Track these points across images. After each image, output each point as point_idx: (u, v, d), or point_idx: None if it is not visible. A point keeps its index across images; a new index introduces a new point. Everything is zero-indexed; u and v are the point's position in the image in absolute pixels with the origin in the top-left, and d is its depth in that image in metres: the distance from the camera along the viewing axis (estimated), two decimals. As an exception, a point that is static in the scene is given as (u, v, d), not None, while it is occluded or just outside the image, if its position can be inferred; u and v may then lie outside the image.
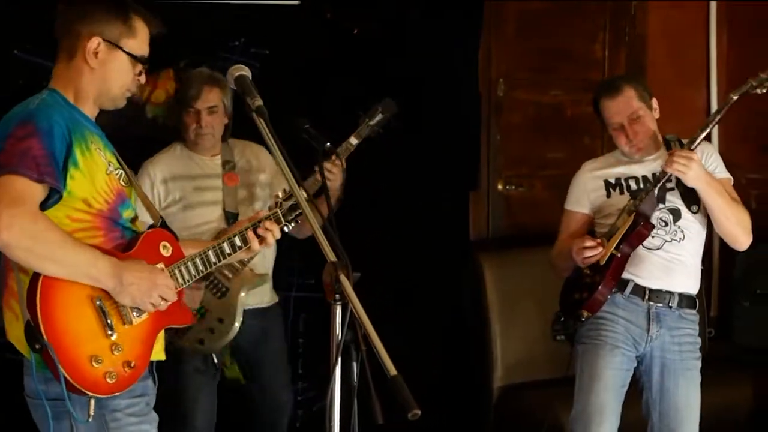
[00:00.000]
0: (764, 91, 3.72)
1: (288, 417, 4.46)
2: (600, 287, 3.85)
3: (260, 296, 4.27)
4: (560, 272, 4.09)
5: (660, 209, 3.90)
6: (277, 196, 3.02)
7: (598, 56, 5.76)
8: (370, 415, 2.35)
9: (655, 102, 4.02)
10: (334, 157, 3.99)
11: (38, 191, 2.59)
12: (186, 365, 4.09)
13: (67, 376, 2.56)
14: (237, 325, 4.05)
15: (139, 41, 2.84)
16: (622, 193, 4.00)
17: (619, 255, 3.83)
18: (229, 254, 2.95)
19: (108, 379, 2.64)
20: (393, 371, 2.12)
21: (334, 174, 3.98)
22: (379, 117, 4.16)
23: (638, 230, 3.82)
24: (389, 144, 4.29)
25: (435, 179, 5.17)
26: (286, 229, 3.02)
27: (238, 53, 4.83)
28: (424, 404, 2.18)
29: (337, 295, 2.33)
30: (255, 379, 4.38)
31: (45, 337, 2.53)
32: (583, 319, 3.92)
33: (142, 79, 2.89)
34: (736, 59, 5.86)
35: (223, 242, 2.94)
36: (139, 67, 2.85)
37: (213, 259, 2.91)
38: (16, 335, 2.65)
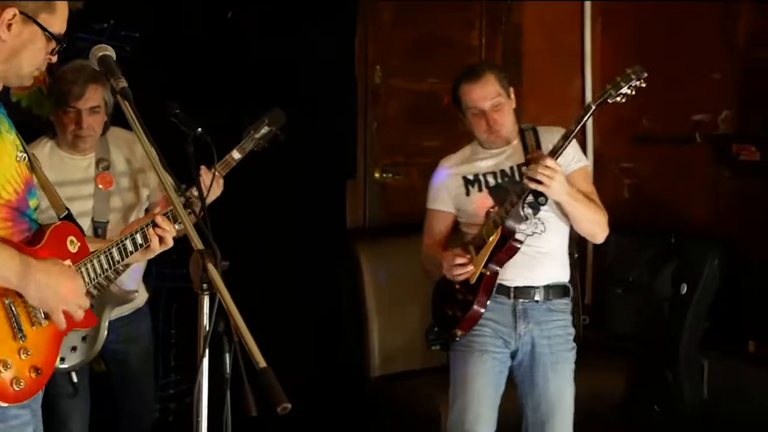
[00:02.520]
0: (624, 100, 3.59)
1: (154, 412, 4.33)
2: (474, 306, 3.82)
3: (128, 306, 4.00)
4: (431, 276, 4.05)
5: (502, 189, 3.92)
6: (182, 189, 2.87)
7: (474, 44, 5.77)
8: (244, 408, 2.28)
9: (512, 92, 3.98)
10: (214, 171, 3.47)
11: None
12: (49, 388, 3.88)
13: None
14: (100, 344, 3.77)
15: (57, 18, 2.62)
16: (480, 190, 3.95)
17: (488, 273, 3.81)
18: (132, 252, 2.81)
19: (15, 386, 2.48)
20: (262, 363, 2.07)
21: (210, 190, 3.69)
22: (264, 130, 3.81)
23: (507, 246, 3.76)
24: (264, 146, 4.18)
25: (311, 167, 5.11)
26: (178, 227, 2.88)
27: (106, 36, 4.66)
28: (297, 396, 2.13)
29: (205, 285, 2.25)
30: (120, 377, 4.21)
31: None
32: (458, 338, 3.91)
33: (54, 58, 2.67)
34: (610, 48, 5.93)
35: (126, 239, 2.80)
36: (53, 45, 2.63)
37: (117, 257, 2.77)
38: None
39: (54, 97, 3.82)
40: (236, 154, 3.79)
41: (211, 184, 3.48)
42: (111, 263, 2.75)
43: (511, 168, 3.92)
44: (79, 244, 2.72)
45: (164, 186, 2.48)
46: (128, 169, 3.96)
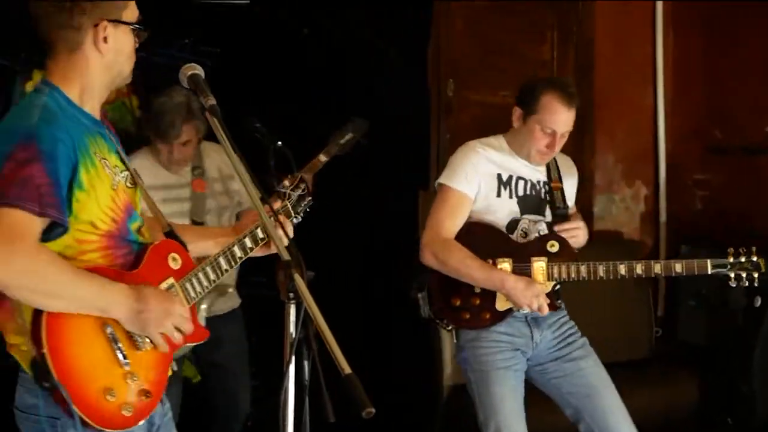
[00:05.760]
0: None
1: (244, 420, 4.43)
2: (487, 324, 3.84)
3: (222, 303, 4.25)
4: (447, 273, 3.86)
5: (537, 221, 3.93)
6: (285, 186, 2.95)
7: (546, 57, 5.79)
8: (322, 414, 2.35)
9: None
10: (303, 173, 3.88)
11: (39, 224, 2.38)
12: None
13: (82, 415, 2.40)
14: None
15: (132, 8, 2.63)
16: (510, 197, 3.89)
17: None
18: (241, 258, 2.82)
19: (124, 412, 2.48)
20: (347, 369, 2.12)
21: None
22: (348, 136, 3.96)
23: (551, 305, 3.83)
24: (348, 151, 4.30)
25: (385, 178, 5.18)
26: (295, 221, 2.94)
27: (187, 52, 4.79)
28: (376, 403, 2.17)
29: (291, 294, 2.32)
30: (212, 381, 4.36)
31: (56, 376, 2.37)
32: (444, 327, 3.95)
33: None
34: (682, 56, 5.92)
35: (234, 246, 2.80)
36: (140, 34, 2.64)
37: (225, 266, 2.77)
38: (16, 345, 2.49)
39: (152, 130, 4.06)
40: (322, 158, 3.97)
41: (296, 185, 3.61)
42: (219, 273, 2.77)
43: (539, 182, 3.94)
44: (181, 260, 2.72)
45: (253, 202, 2.52)
46: (220, 176, 4.21)
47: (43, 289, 2.37)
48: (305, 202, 2.94)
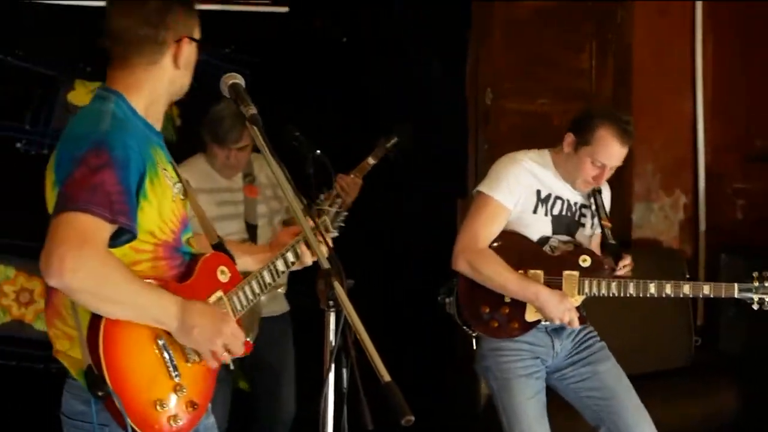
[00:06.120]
0: None
1: (289, 424, 4.46)
2: (515, 334, 3.86)
3: (273, 305, 4.30)
4: (480, 281, 3.86)
5: (567, 242, 3.94)
6: (321, 200, 2.99)
7: (585, 66, 5.78)
8: (360, 421, 2.36)
9: None
10: (353, 175, 4.14)
11: (108, 230, 2.40)
12: None
13: (134, 426, 2.43)
14: (256, 332, 4.01)
15: (198, 24, 2.71)
16: (546, 214, 3.91)
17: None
18: (283, 272, 2.86)
19: (172, 424, 2.50)
20: (387, 377, 2.12)
21: (350, 190, 4.07)
22: (394, 140, 4.34)
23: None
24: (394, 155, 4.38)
25: (424, 187, 5.19)
26: (333, 235, 2.99)
27: (227, 60, 4.83)
28: (414, 410, 2.18)
29: (331, 302, 2.34)
30: (260, 386, 4.40)
31: (110, 385, 2.39)
32: (471, 332, 3.94)
33: None
34: (721, 64, 5.89)
35: (276, 260, 2.85)
36: (201, 49, 2.71)
37: (268, 280, 2.82)
38: (63, 351, 2.53)
39: (210, 135, 4.14)
40: (371, 160, 4.32)
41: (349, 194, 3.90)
42: (263, 287, 2.80)
43: (575, 204, 3.95)
44: (230, 273, 2.74)
45: (294, 213, 2.54)
46: (269, 182, 4.29)
47: (106, 295, 2.39)
48: (341, 217, 2.97)
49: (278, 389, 4.39)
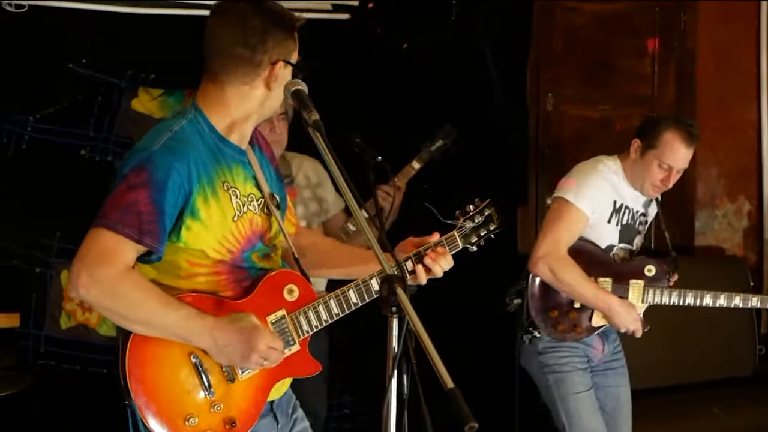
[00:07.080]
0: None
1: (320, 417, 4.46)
2: (579, 337, 4.00)
3: None
4: (558, 287, 3.97)
5: (627, 250, 4.07)
6: (461, 211, 2.98)
7: (647, 71, 5.74)
8: (421, 428, 2.36)
9: None
10: (396, 179, 4.15)
11: (132, 249, 2.44)
12: None
13: None
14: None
15: (297, 48, 2.72)
16: (617, 224, 4.01)
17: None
18: (356, 304, 2.80)
19: None
20: (450, 384, 2.10)
21: (392, 196, 4.10)
22: (439, 143, 4.33)
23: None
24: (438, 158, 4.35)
25: (483, 193, 5.16)
26: (472, 249, 2.98)
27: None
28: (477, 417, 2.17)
29: (394, 308, 2.33)
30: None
31: (133, 398, 2.47)
32: (533, 333, 4.04)
33: None
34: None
35: (349, 290, 2.79)
36: (295, 73, 2.71)
37: (355, 301, 2.79)
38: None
39: None
40: (416, 164, 4.33)
41: (394, 199, 4.03)
42: (330, 315, 2.77)
43: (637, 212, 4.06)
44: (299, 292, 2.74)
45: (355, 215, 2.50)
46: (308, 184, 4.28)
47: (123, 313, 2.45)
48: (483, 233, 2.94)
49: (307, 396, 4.35)
